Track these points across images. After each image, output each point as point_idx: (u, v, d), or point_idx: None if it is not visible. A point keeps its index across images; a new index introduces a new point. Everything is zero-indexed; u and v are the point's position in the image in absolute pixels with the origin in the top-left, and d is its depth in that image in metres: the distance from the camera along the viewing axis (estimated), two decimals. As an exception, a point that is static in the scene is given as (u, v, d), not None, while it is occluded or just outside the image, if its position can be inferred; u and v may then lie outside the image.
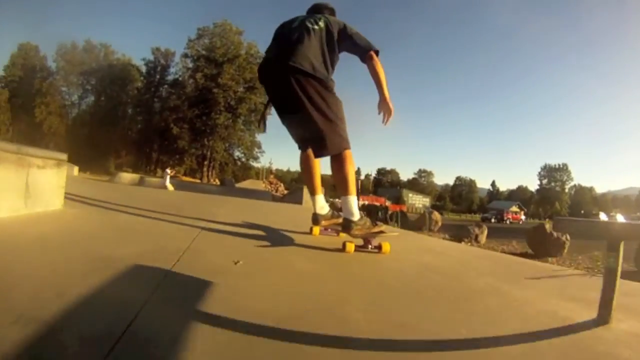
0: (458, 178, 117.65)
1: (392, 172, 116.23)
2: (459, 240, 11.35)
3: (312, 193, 2.68)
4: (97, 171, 39.25)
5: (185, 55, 47.65)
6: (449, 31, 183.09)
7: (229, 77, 44.67)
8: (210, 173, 46.49)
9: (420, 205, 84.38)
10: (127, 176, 17.84)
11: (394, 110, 2.46)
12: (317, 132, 2.30)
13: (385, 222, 17.58)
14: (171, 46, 57.85)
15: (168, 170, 17.52)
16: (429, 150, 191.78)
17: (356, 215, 2.40)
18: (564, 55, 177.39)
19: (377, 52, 2.46)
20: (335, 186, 2.44)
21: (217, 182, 38.82)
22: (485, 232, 13.86)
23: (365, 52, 2.44)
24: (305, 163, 2.63)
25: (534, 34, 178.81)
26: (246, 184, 29.93)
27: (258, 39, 49.82)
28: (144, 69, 51.24)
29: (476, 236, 13.28)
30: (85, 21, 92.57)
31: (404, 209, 38.10)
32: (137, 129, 51.82)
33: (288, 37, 2.43)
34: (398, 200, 69.61)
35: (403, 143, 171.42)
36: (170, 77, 51.74)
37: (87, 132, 47.15)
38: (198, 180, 41.24)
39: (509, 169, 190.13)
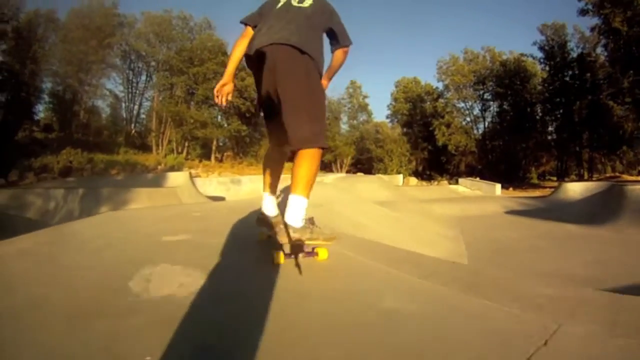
0: None
1: None
2: None
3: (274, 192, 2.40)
4: (521, 185, 33.07)
5: (583, 12, 33.16)
6: None
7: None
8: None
9: None
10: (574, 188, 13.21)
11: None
12: None
13: None
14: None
15: None
16: None
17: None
18: None
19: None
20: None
21: None
22: None
23: (347, 44, 2.35)
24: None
25: None
26: None
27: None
28: (539, 54, 39.62)
29: None
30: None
31: None
32: (553, 127, 40.77)
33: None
34: None
35: None
36: (573, 55, 38.02)
37: (500, 144, 41.15)
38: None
39: None
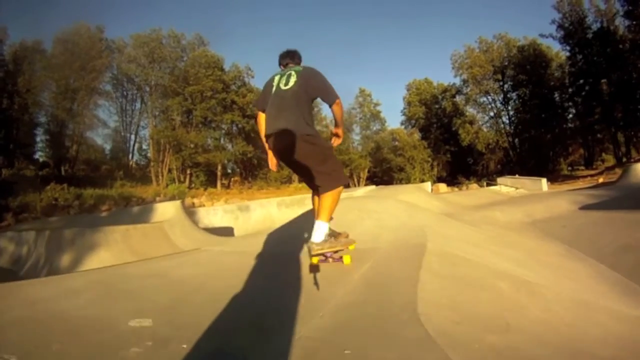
0: None
1: None
2: None
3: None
4: (555, 178, 29.82)
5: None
6: None
7: None
8: None
9: None
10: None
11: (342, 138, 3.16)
12: None
13: None
14: None
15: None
16: None
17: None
18: None
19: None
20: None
21: None
22: None
23: (331, 102, 2.86)
24: None
25: None
26: None
27: None
28: (557, 35, 36.85)
29: None
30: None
31: None
32: (573, 114, 38.18)
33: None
34: None
35: None
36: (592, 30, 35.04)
37: (528, 137, 38.50)
38: None
39: None
